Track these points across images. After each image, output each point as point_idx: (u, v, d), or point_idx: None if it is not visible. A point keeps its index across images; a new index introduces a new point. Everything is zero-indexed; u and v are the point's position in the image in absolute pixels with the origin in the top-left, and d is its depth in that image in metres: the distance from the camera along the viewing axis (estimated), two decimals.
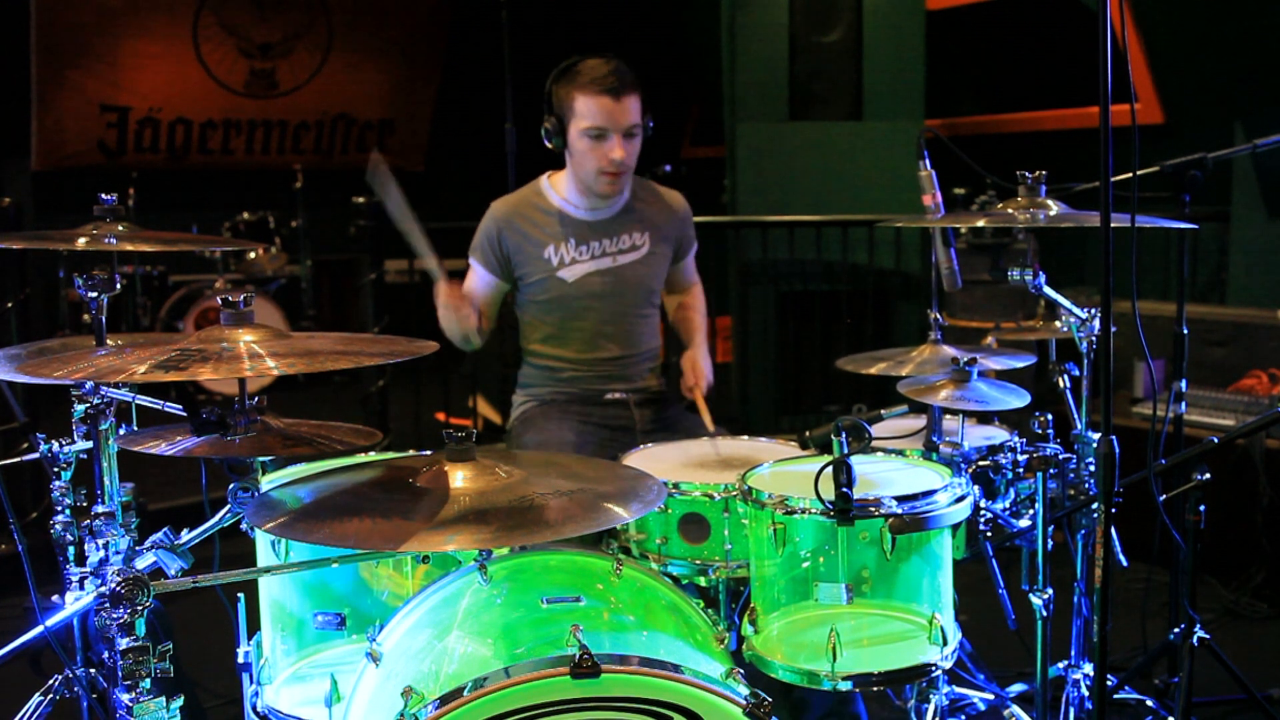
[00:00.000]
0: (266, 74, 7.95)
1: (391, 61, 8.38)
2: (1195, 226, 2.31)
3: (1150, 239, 4.89)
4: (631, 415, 2.96)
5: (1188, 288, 2.83)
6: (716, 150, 6.10)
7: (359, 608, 2.07)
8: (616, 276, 2.94)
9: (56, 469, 2.06)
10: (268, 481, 1.98)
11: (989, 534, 2.45)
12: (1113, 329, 1.81)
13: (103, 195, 2.15)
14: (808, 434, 2.47)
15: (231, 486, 1.62)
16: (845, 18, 5.32)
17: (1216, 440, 2.45)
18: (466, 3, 8.15)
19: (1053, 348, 2.56)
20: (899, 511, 1.95)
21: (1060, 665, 2.53)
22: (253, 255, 7.24)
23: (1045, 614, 2.22)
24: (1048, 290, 2.23)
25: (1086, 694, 2.44)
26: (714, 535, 2.28)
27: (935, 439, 2.36)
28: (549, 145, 2.90)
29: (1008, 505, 2.48)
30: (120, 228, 2.12)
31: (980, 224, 2.84)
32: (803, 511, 1.99)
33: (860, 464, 1.95)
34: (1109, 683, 2.59)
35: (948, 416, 2.39)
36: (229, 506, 1.64)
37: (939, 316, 2.64)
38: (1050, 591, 2.23)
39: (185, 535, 1.64)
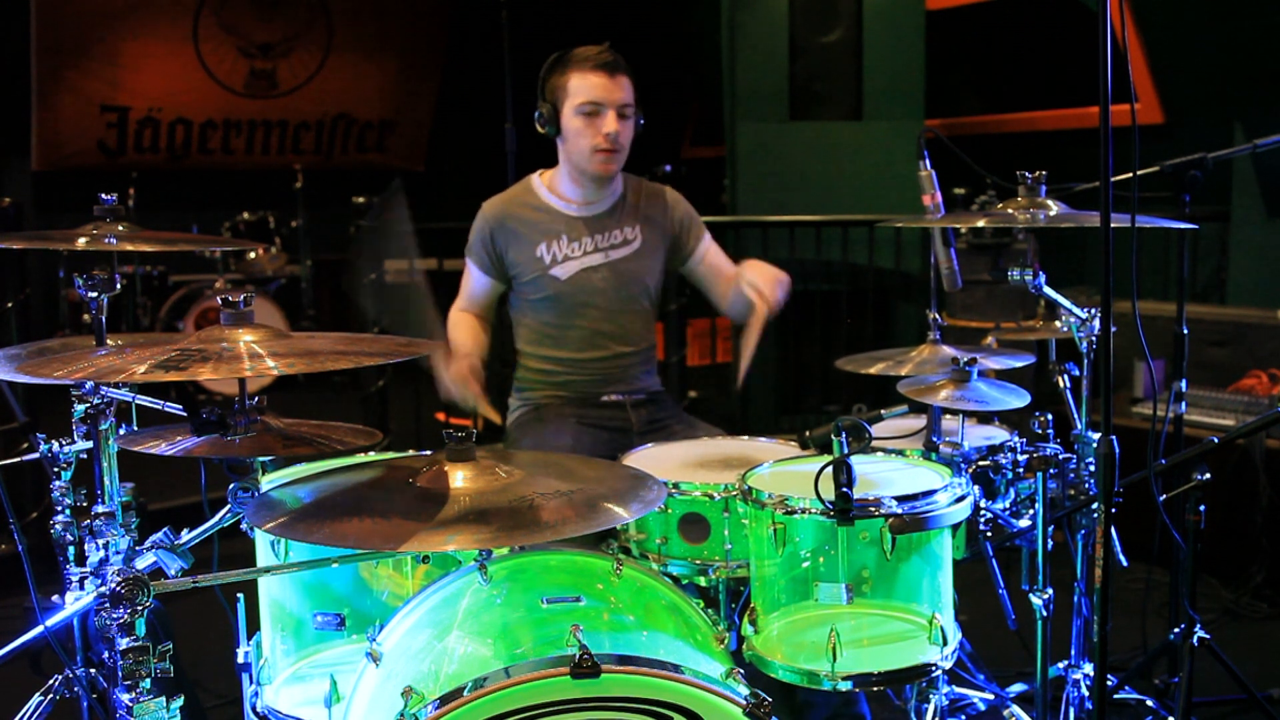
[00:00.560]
0: (266, 74, 7.95)
1: (391, 61, 8.39)
2: (1195, 226, 2.31)
3: (1150, 239, 4.89)
4: (628, 417, 2.95)
5: (1188, 288, 2.83)
6: (716, 150, 6.10)
7: (359, 608, 2.07)
8: (610, 271, 2.93)
9: (56, 469, 2.06)
10: (268, 481, 1.98)
11: (989, 534, 2.45)
12: (1113, 329, 1.81)
13: (103, 195, 2.15)
14: (808, 434, 2.47)
15: (231, 486, 1.62)
16: (845, 18, 5.33)
17: (1216, 440, 2.45)
18: (466, 3, 8.16)
19: (1053, 348, 2.56)
20: (899, 511, 1.95)
21: (1060, 665, 2.53)
22: (253, 255, 7.24)
23: (1045, 614, 2.22)
24: (1048, 290, 2.23)
25: (1086, 694, 2.44)
26: (714, 535, 2.28)
27: (935, 439, 2.36)
28: (541, 130, 2.89)
29: (1008, 505, 2.48)
30: (120, 228, 2.12)
31: (980, 224, 2.84)
32: (803, 511, 1.99)
33: (860, 464, 1.95)
34: (1109, 683, 2.59)
35: (948, 416, 2.39)
36: (229, 506, 1.64)
37: (939, 316, 2.64)
38: (1050, 591, 2.23)
39: (185, 535, 1.64)
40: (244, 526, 1.78)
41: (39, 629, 1.74)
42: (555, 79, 2.84)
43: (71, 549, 2.07)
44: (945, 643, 2.00)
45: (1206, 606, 3.51)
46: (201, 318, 6.70)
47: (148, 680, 1.48)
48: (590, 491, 1.62)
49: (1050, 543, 2.22)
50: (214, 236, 6.99)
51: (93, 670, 2.17)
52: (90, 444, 1.86)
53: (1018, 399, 2.27)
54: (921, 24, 5.36)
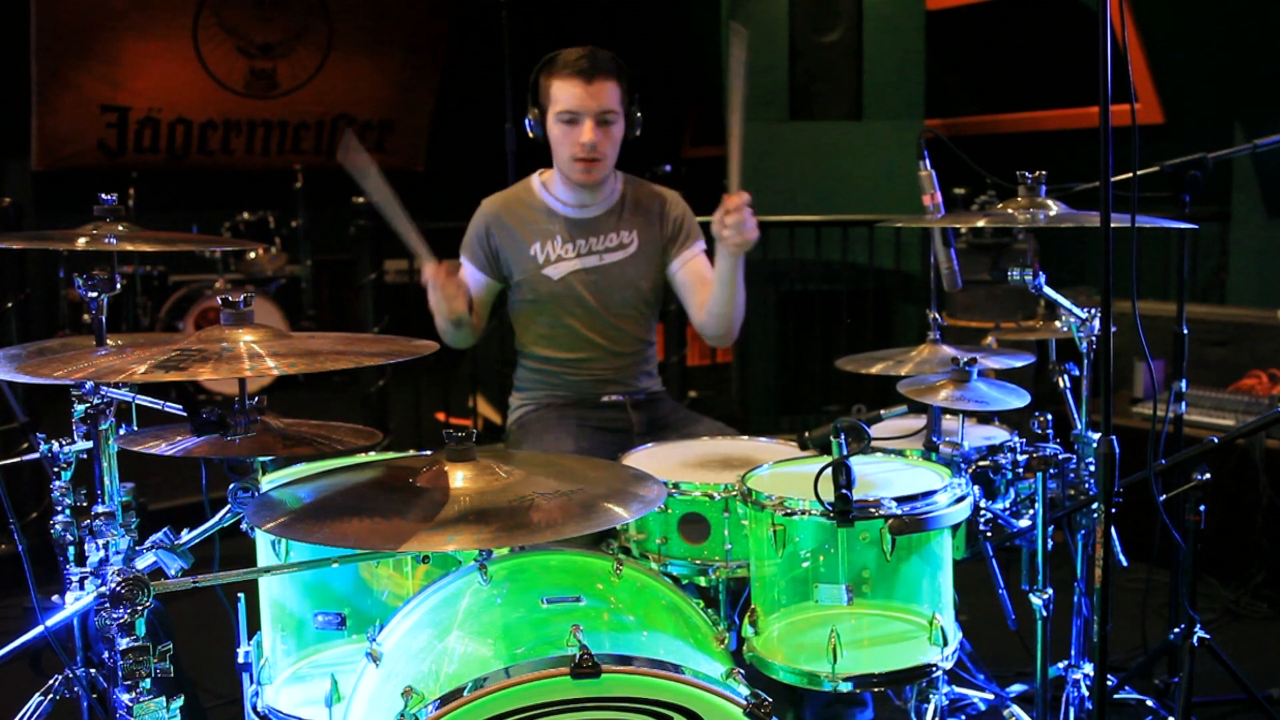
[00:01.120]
0: (266, 74, 7.95)
1: (391, 61, 8.38)
2: (1195, 226, 2.31)
3: (1150, 239, 4.89)
4: (629, 418, 2.95)
5: (1188, 288, 2.83)
6: (716, 150, 6.10)
7: (359, 608, 2.07)
8: (602, 275, 2.92)
9: (56, 469, 2.06)
10: (268, 481, 1.98)
11: (989, 534, 2.45)
12: (1113, 329, 1.81)
13: (103, 195, 2.15)
14: (807, 435, 2.46)
15: (231, 486, 1.62)
16: (845, 18, 5.32)
17: (1216, 440, 2.45)
18: (466, 3, 8.15)
19: (1053, 348, 2.56)
20: (899, 512, 1.95)
21: (1060, 665, 2.53)
22: (253, 255, 7.24)
23: (1045, 614, 2.22)
24: (1048, 290, 2.23)
25: (1086, 694, 2.44)
26: (714, 535, 2.28)
27: (935, 439, 2.36)
28: (531, 136, 2.89)
29: (1008, 505, 2.48)
30: (120, 228, 2.12)
31: (980, 224, 2.84)
32: (802, 513, 1.99)
33: (860, 464, 1.95)
34: (1109, 683, 2.59)
35: (948, 416, 2.39)
36: (229, 506, 1.64)
37: (939, 316, 2.64)
38: (1050, 591, 2.23)
39: (185, 535, 1.64)
40: (244, 526, 1.77)
41: (39, 629, 1.74)
42: (542, 83, 2.83)
43: (71, 549, 2.07)
44: (945, 643, 2.00)
45: (1206, 606, 3.51)
46: (201, 318, 6.70)
47: (148, 680, 1.48)
48: (590, 491, 1.62)
49: (1050, 543, 2.22)
50: (214, 236, 6.99)
51: (93, 670, 2.17)
52: (90, 444, 1.86)
53: (1018, 399, 2.27)
54: (921, 24, 5.36)
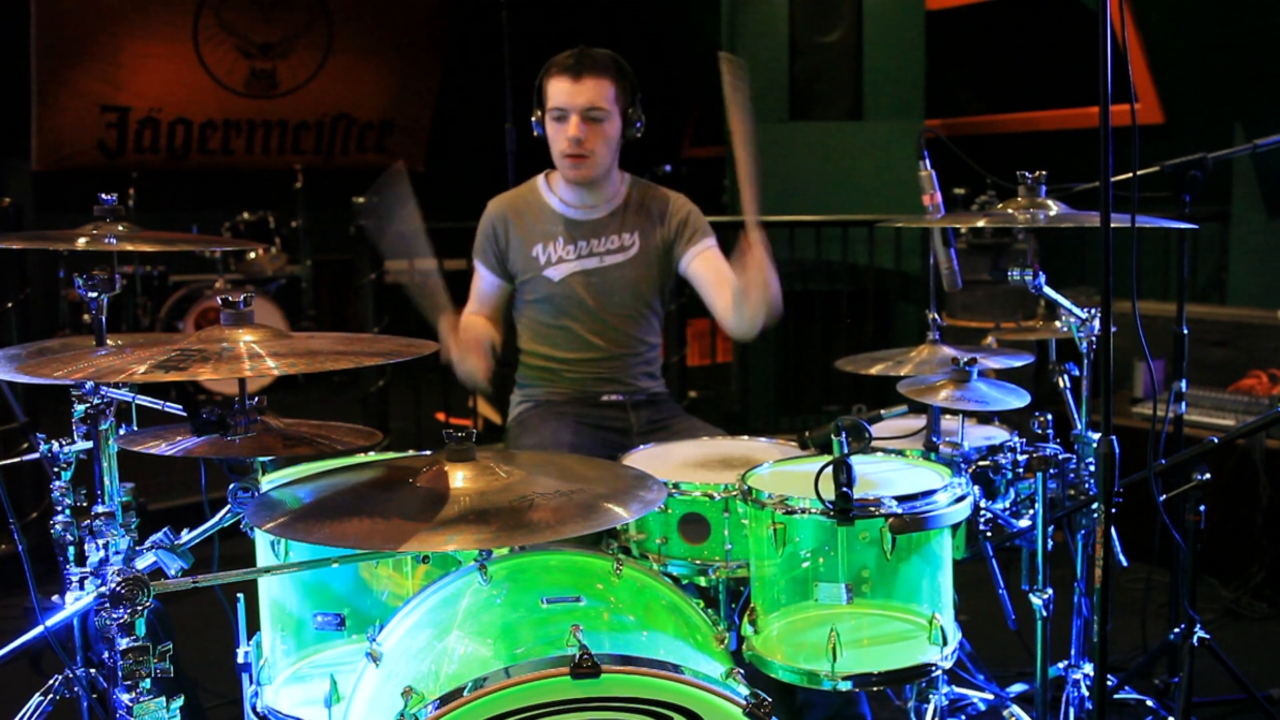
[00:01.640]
0: (266, 74, 7.95)
1: (391, 61, 8.39)
2: (1195, 226, 2.31)
3: (1150, 239, 4.90)
4: (628, 417, 2.95)
5: (1188, 288, 2.83)
6: (716, 150, 6.11)
7: (359, 608, 2.07)
8: (602, 277, 2.93)
9: (56, 469, 2.06)
10: (268, 481, 1.98)
11: (989, 534, 2.45)
12: (1113, 329, 1.81)
13: (103, 195, 2.15)
14: (808, 434, 2.47)
15: (231, 486, 1.62)
16: (845, 18, 5.32)
17: (1216, 440, 2.45)
18: (466, 3, 8.16)
19: (1053, 348, 2.56)
20: (899, 511, 1.95)
21: (1060, 665, 2.53)
22: (253, 255, 7.24)
23: (1045, 614, 2.22)
24: (1048, 290, 2.23)
25: (1086, 694, 2.44)
26: (714, 535, 2.28)
27: (935, 439, 2.36)
28: (535, 135, 2.92)
29: (1008, 505, 2.48)
30: (120, 228, 2.12)
31: (980, 224, 2.84)
32: (803, 511, 1.99)
33: (860, 464, 1.95)
34: (1109, 683, 2.59)
35: (948, 416, 2.39)
36: (229, 506, 1.64)
37: (939, 316, 2.64)
38: (1050, 591, 2.23)
39: (185, 535, 1.64)
40: (244, 526, 1.77)
41: (39, 629, 1.74)
42: (540, 85, 2.87)
43: (71, 549, 2.07)
44: (945, 643, 2.00)
45: (1206, 606, 3.51)
46: (201, 318, 6.70)
47: (148, 680, 1.48)
48: (590, 491, 1.62)
49: (1050, 543, 2.22)
50: (214, 236, 6.99)
51: (93, 670, 2.17)
52: (90, 444, 1.86)
53: (1018, 399, 2.27)
54: (921, 24, 5.36)
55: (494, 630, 1.64)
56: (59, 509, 2.07)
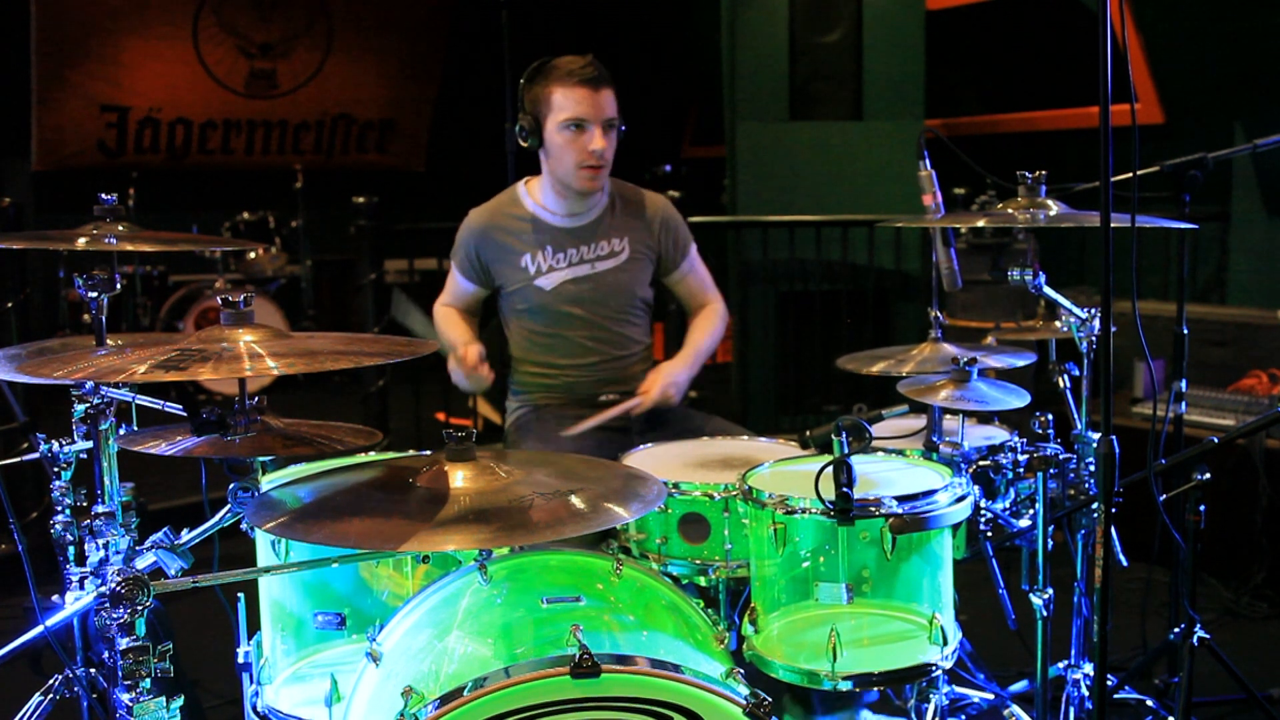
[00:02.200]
0: (266, 74, 7.95)
1: (391, 61, 8.39)
2: (1195, 226, 2.31)
3: (1150, 239, 4.89)
4: (627, 417, 2.95)
5: (1188, 288, 2.83)
6: (716, 150, 6.11)
7: (359, 608, 2.07)
8: (595, 283, 2.92)
9: (56, 469, 2.06)
10: (268, 481, 1.98)
11: (989, 534, 2.45)
12: (1113, 329, 1.81)
13: (103, 195, 2.15)
14: (808, 434, 2.47)
15: (231, 486, 1.62)
16: (845, 18, 5.32)
17: (1216, 440, 2.45)
18: (466, 3, 8.16)
19: (1053, 348, 2.56)
20: (899, 511, 1.95)
21: (1060, 665, 2.53)
22: (253, 255, 7.24)
23: (1045, 614, 2.22)
24: (1048, 290, 2.23)
25: (1086, 694, 2.44)
26: (714, 535, 2.28)
27: (935, 439, 2.36)
28: (523, 144, 2.87)
29: (1008, 505, 2.48)
30: (120, 228, 2.12)
31: (980, 224, 2.84)
32: (803, 511, 1.99)
33: (860, 464, 1.95)
34: (1109, 683, 2.59)
35: (948, 416, 2.39)
36: (229, 506, 1.64)
37: (939, 316, 2.64)
38: (1050, 591, 2.23)
39: (185, 535, 1.64)
40: (244, 526, 1.78)
41: (39, 629, 1.74)
42: (537, 90, 2.81)
43: (71, 549, 2.07)
44: (945, 643, 2.00)
45: (1206, 606, 3.51)
46: (201, 318, 6.70)
47: (148, 680, 1.48)
48: (590, 491, 1.62)
49: (1050, 543, 2.22)
50: (214, 236, 6.98)
51: (93, 670, 2.17)
52: (90, 444, 1.86)
53: (1018, 399, 2.27)
54: (921, 24, 5.35)
55: (494, 630, 1.64)
56: (59, 509, 2.07)
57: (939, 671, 2.01)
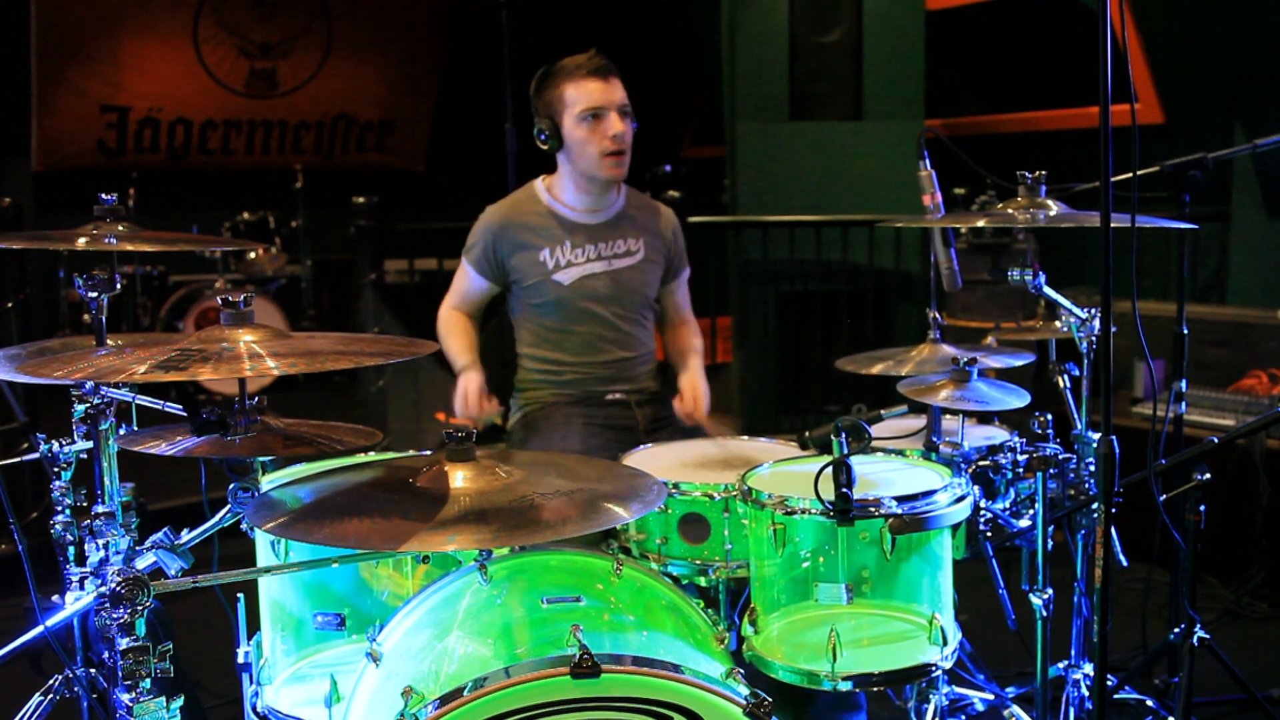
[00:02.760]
0: (266, 74, 7.95)
1: (391, 61, 8.38)
2: (1195, 226, 2.31)
3: (1150, 239, 4.89)
4: (634, 415, 2.96)
5: (1188, 288, 2.83)
6: (716, 150, 6.10)
7: (359, 608, 2.07)
8: (612, 280, 2.94)
9: (56, 469, 2.06)
10: (268, 481, 1.98)
11: (989, 534, 2.45)
12: (1113, 329, 1.81)
13: (103, 195, 2.15)
14: (808, 434, 2.47)
15: (231, 486, 1.62)
16: (845, 18, 5.32)
17: (1216, 440, 2.45)
18: (466, 3, 8.16)
19: (1053, 348, 2.56)
20: (899, 511, 1.95)
21: (1060, 665, 2.53)
22: (253, 255, 7.24)
23: (1045, 614, 2.22)
24: (1048, 290, 2.23)
25: (1086, 694, 2.44)
26: (714, 535, 2.28)
27: (935, 439, 2.36)
28: (544, 148, 2.91)
29: (1008, 505, 2.48)
30: (120, 228, 2.12)
31: (980, 224, 2.85)
32: (803, 512, 1.99)
33: (860, 464, 1.95)
34: (1109, 683, 2.59)
35: (948, 416, 2.39)
36: (229, 506, 1.64)
37: (939, 316, 2.64)
38: (1050, 591, 2.23)
39: (185, 535, 1.64)
40: (244, 526, 1.77)
41: (39, 629, 1.74)
42: (549, 93, 2.84)
43: (71, 549, 2.07)
44: (945, 643, 2.00)
45: (1206, 606, 3.51)
46: (201, 318, 6.70)
47: (148, 680, 1.48)
48: (590, 491, 1.62)
49: (1050, 543, 2.22)
50: (214, 236, 6.98)
51: (93, 670, 2.17)
52: (90, 444, 1.86)
53: (1018, 399, 2.27)
54: (921, 24, 5.36)
55: (494, 630, 1.64)
56: (59, 509, 2.07)
57: (939, 672, 2.01)
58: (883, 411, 2.51)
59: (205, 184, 8.01)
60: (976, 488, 2.32)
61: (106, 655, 1.54)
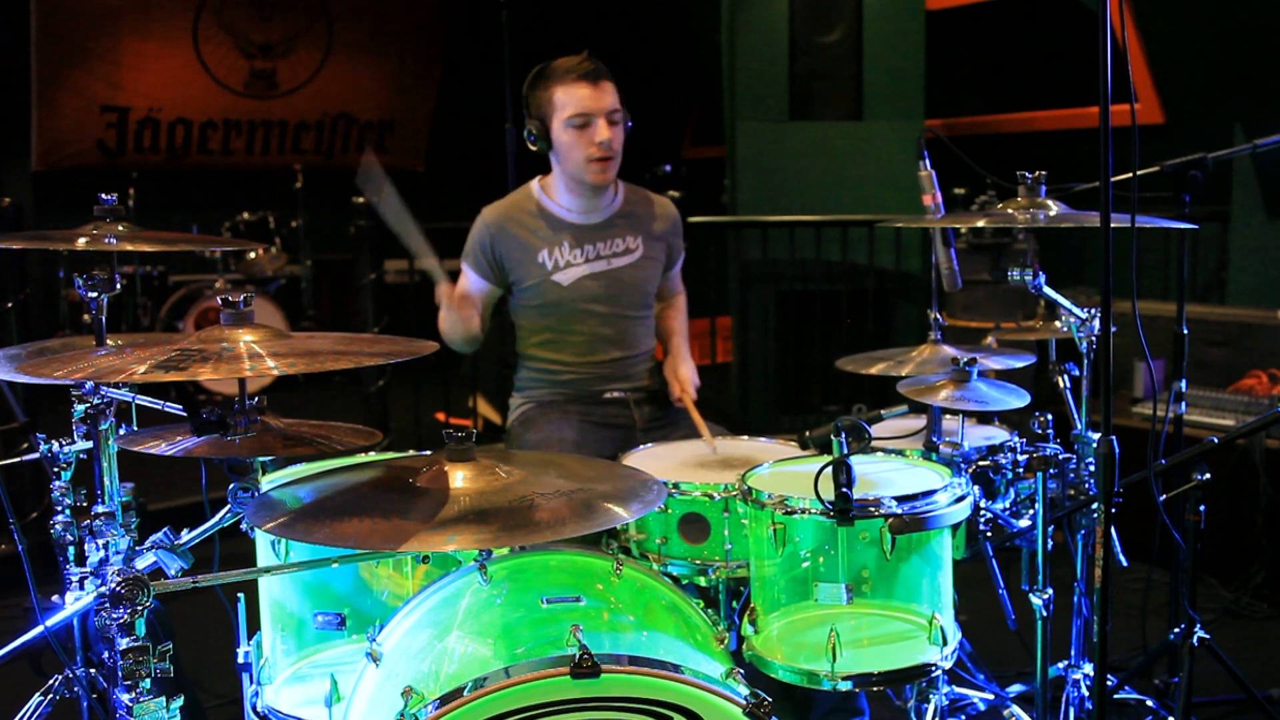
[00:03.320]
0: (266, 74, 7.95)
1: (391, 61, 8.38)
2: (1195, 226, 2.31)
3: (1150, 239, 4.89)
4: (631, 414, 2.96)
5: (1188, 288, 2.83)
6: (716, 150, 6.11)
7: (359, 608, 2.07)
8: (611, 279, 2.94)
9: (56, 469, 2.06)
10: (268, 481, 1.98)
11: (989, 534, 2.45)
12: (1113, 329, 1.81)
13: (103, 195, 2.15)
14: (808, 434, 2.47)
15: (231, 486, 1.62)
16: (845, 18, 5.32)
17: (1216, 440, 2.45)
18: (466, 3, 8.16)
19: (1053, 348, 2.56)
20: (899, 511, 1.95)
21: (1060, 665, 2.53)
22: (253, 255, 7.24)
23: (1045, 614, 2.22)
24: (1048, 290, 2.23)
25: (1086, 694, 2.44)
26: (714, 535, 2.28)
27: (935, 439, 2.36)
28: (533, 148, 2.91)
29: (1008, 505, 2.48)
30: (120, 228, 2.11)
31: (980, 224, 2.84)
32: (802, 511, 1.99)
33: (860, 464, 1.95)
34: (1109, 683, 2.59)
35: (948, 416, 2.39)
36: (229, 506, 1.64)
37: (939, 316, 2.64)
38: (1050, 591, 2.23)
39: (185, 535, 1.64)
40: (244, 526, 1.78)
41: (39, 629, 1.74)
42: (539, 94, 2.84)
43: (71, 549, 2.07)
44: (945, 643, 2.00)
45: (1206, 606, 3.51)
46: (201, 318, 6.70)
47: (148, 680, 1.48)
48: (590, 491, 1.62)
49: (1050, 543, 2.22)
50: (214, 236, 6.99)
51: (93, 670, 2.17)
52: (90, 444, 1.86)
53: (1018, 399, 2.27)
54: (921, 24, 5.36)
55: (494, 630, 1.64)
56: (59, 509, 2.07)
57: (939, 672, 2.01)
58: (883, 411, 2.51)
59: (205, 184, 8.01)
60: (976, 488, 2.32)
61: (106, 655, 1.54)
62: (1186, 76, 5.21)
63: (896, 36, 5.32)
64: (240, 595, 1.95)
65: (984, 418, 2.77)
